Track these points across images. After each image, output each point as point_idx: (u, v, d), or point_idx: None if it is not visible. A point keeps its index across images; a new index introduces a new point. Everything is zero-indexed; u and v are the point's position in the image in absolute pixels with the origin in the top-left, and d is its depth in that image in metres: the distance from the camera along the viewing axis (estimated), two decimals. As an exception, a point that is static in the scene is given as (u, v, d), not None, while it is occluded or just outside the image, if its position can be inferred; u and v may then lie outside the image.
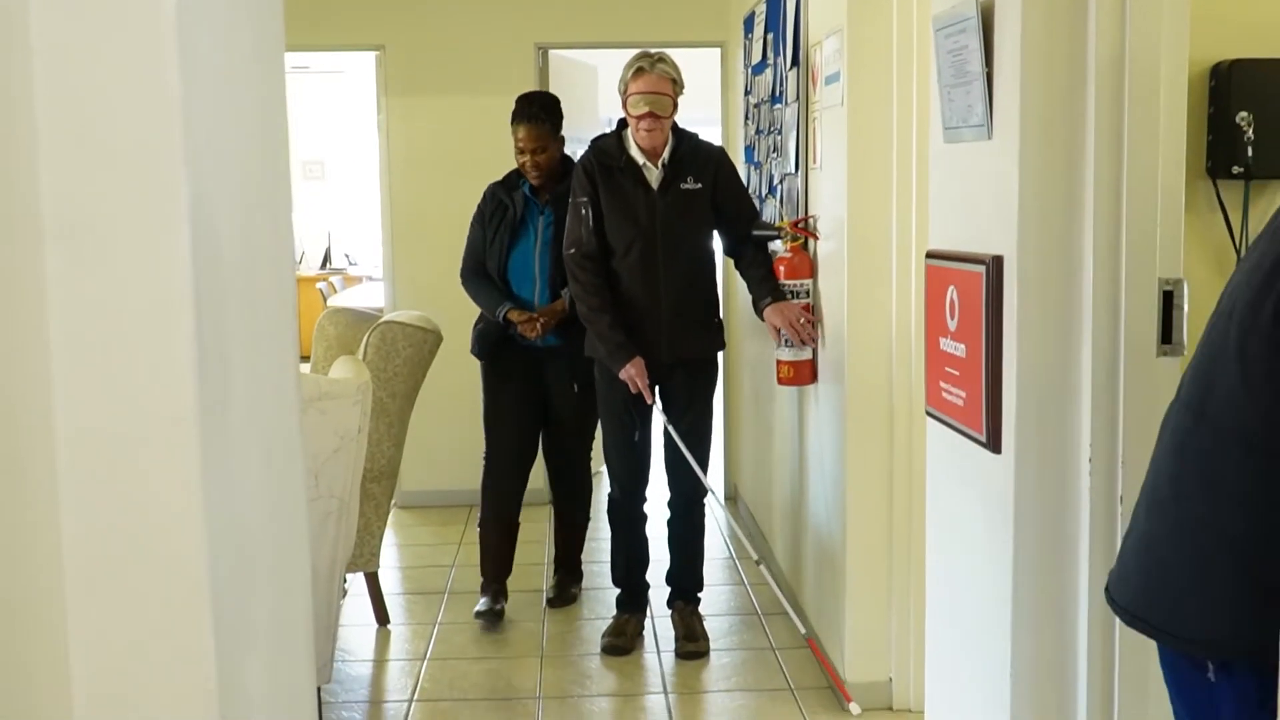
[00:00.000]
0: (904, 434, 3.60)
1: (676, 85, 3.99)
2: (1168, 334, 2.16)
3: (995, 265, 2.25)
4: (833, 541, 3.86)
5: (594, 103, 6.98)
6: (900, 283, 3.54)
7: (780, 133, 4.47)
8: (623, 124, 4.09)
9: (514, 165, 4.55)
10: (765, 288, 4.01)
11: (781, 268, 4.02)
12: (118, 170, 0.93)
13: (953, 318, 2.45)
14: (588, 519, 4.84)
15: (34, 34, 0.90)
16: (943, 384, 2.53)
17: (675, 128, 4.05)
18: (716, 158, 4.13)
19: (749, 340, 5.49)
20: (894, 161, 3.51)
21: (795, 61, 4.15)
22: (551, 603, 4.72)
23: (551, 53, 6.23)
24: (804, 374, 4.01)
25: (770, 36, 4.66)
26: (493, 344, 4.49)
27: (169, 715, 0.96)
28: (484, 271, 4.52)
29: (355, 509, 3.60)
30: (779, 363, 4.04)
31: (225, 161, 1.05)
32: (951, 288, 2.45)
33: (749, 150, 5.27)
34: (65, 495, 0.92)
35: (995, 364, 2.27)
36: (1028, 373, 2.20)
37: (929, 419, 2.67)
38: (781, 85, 4.42)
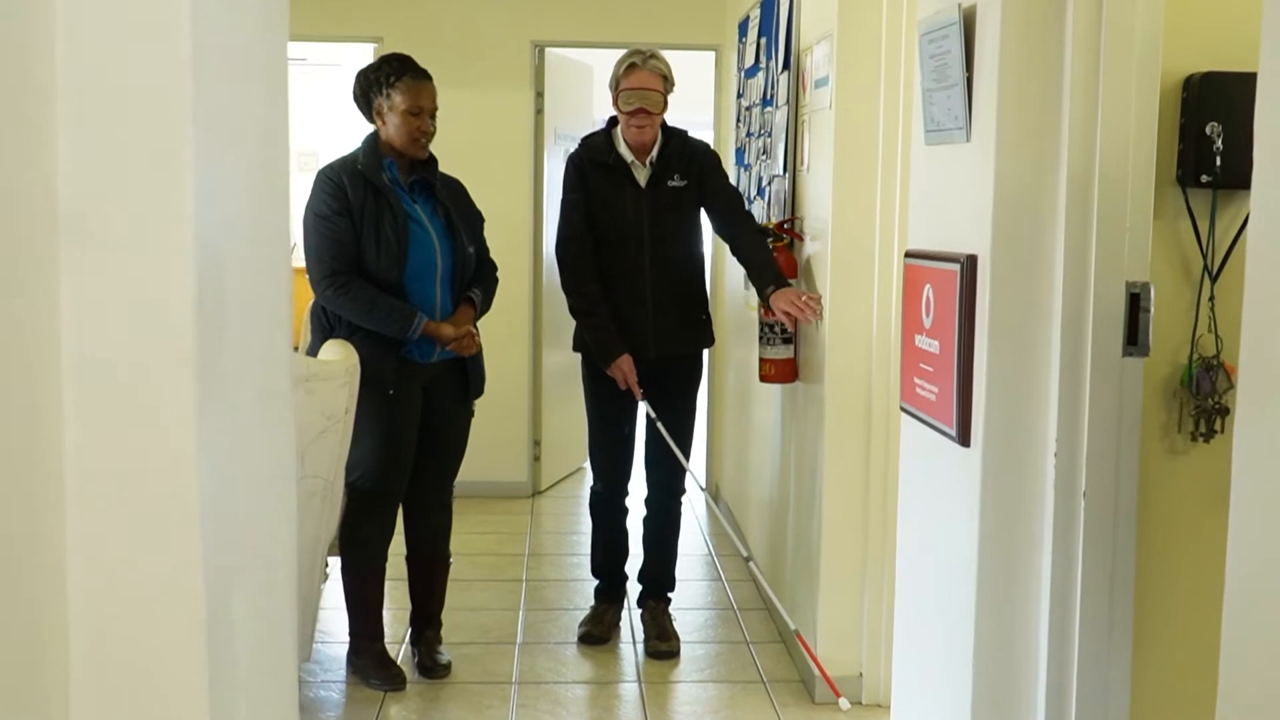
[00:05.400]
0: (881, 431, 3.67)
1: (668, 82, 4.05)
2: (1133, 335, 2.23)
3: (969, 264, 2.32)
4: (809, 537, 3.93)
5: (589, 103, 7.05)
6: (881, 283, 3.62)
7: (770, 135, 4.54)
8: (612, 122, 4.15)
9: (337, 158, 3.80)
10: (767, 275, 3.93)
11: (766, 267, 4.08)
12: (131, 132, 0.99)
13: (928, 315, 2.52)
14: (450, 556, 4.14)
15: (59, 12, 0.96)
16: (917, 380, 2.59)
17: (664, 126, 4.11)
18: (701, 151, 4.18)
19: (733, 338, 5.56)
20: (879, 164, 3.58)
21: (786, 65, 4.22)
22: (429, 670, 3.97)
23: (548, 51, 6.30)
24: (786, 372, 4.07)
25: (763, 41, 4.73)
26: (394, 368, 3.68)
27: (158, 638, 1.02)
28: (363, 273, 3.63)
29: (339, 490, 3.66)
30: (762, 360, 4.10)
31: (231, 131, 1.11)
32: (928, 286, 2.52)
33: (739, 152, 5.34)
34: (70, 424, 0.98)
35: (967, 360, 2.34)
36: (997, 369, 2.27)
37: (903, 414, 2.74)
38: (773, 89, 4.49)
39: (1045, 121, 2.22)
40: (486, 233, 4.07)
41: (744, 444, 5.37)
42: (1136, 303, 2.23)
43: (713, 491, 6.32)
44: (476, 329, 3.91)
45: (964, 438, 2.35)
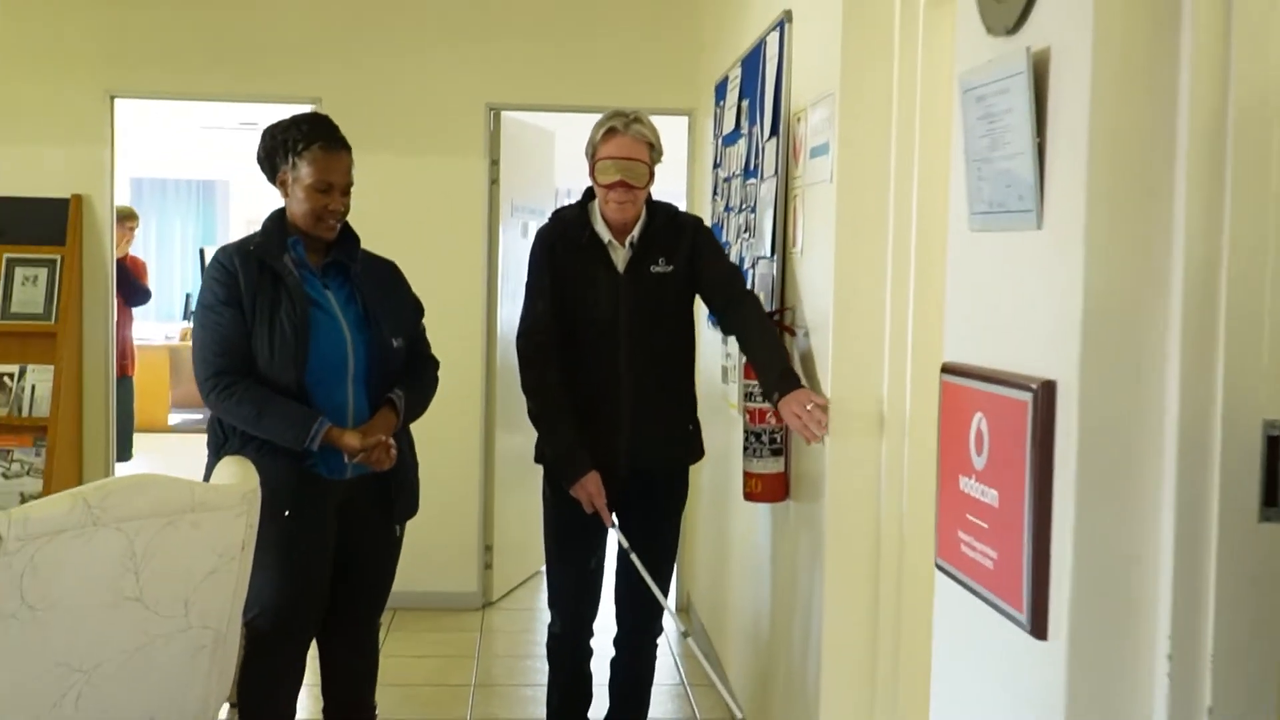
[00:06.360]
0: (891, 568, 3.03)
1: (654, 151, 3.39)
2: (1272, 493, 1.64)
3: (1045, 393, 1.72)
4: (804, 693, 3.28)
5: (549, 172, 6.48)
6: (892, 389, 3.00)
7: (754, 210, 3.96)
8: (590, 194, 3.51)
9: (241, 235, 3.28)
10: (772, 375, 3.21)
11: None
12: None
13: (980, 454, 1.92)
14: (375, 707, 3.51)
15: None
16: (963, 535, 1.98)
17: (649, 200, 3.46)
18: (691, 227, 3.51)
19: (710, 431, 4.92)
20: (889, 247, 3.00)
21: (775, 131, 3.66)
22: None
23: (504, 115, 5.73)
24: (775, 489, 3.45)
25: (745, 104, 4.17)
26: (294, 485, 3.07)
27: None
28: (256, 373, 3.05)
29: (235, 639, 2.99)
30: (747, 475, 3.48)
31: None
32: (979, 415, 1.92)
33: (716, 229, 4.76)
34: None
35: (1042, 522, 1.73)
36: (1088, 537, 1.67)
37: (939, 573, 2.12)
38: (757, 157, 3.92)
39: (1153, 203, 1.64)
40: (435, 313, 3.47)
41: (723, 556, 4.73)
42: (1276, 448, 1.64)
43: (684, 605, 5.65)
44: (408, 436, 3.28)
45: (1038, 627, 1.74)
